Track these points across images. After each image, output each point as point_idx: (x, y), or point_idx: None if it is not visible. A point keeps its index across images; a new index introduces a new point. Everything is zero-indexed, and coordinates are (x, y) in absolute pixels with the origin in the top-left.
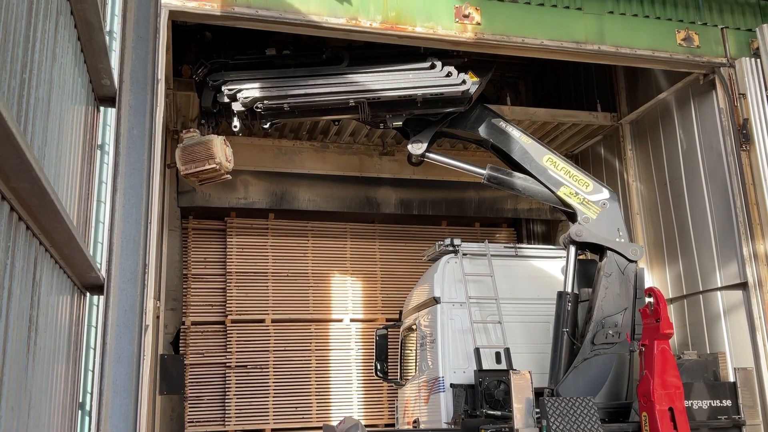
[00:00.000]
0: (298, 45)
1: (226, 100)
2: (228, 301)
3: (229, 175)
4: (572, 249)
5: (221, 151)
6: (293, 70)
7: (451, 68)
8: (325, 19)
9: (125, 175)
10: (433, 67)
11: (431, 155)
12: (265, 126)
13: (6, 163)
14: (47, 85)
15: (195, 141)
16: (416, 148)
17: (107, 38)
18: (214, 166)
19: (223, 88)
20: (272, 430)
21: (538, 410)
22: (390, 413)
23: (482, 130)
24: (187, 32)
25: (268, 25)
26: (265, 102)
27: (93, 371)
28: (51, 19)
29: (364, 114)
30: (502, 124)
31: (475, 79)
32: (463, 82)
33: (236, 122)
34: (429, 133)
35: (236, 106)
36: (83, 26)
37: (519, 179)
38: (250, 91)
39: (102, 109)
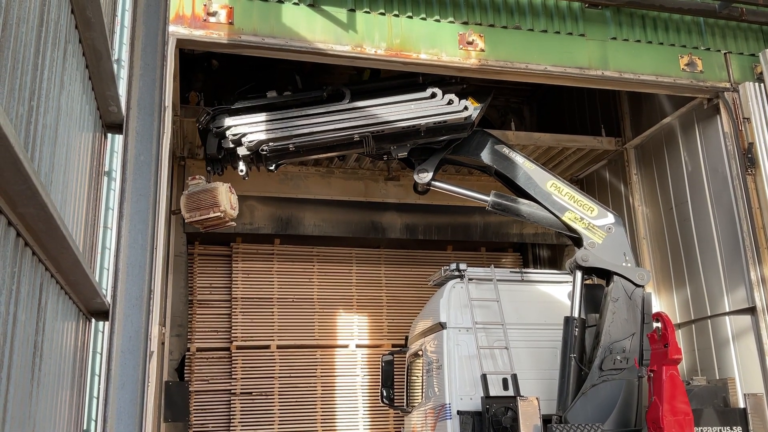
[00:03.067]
0: (302, 73)
1: (231, 145)
2: (233, 327)
3: (234, 222)
4: (578, 274)
5: (226, 198)
6: (296, 110)
7: (452, 96)
8: (331, 47)
9: (131, 201)
10: (434, 96)
11: (437, 183)
12: (271, 168)
13: (13, 188)
14: (55, 112)
15: (200, 188)
16: (422, 177)
17: (115, 66)
18: (219, 214)
19: (227, 133)
20: None
21: None
22: None
23: (486, 157)
24: (195, 60)
25: (275, 52)
26: (270, 144)
27: (98, 398)
28: (59, 47)
29: (369, 147)
30: (506, 150)
31: (476, 104)
32: (465, 108)
33: (242, 166)
34: (434, 161)
35: (241, 151)
36: (91, 54)
37: (524, 205)
38: (255, 134)
39: (109, 135)
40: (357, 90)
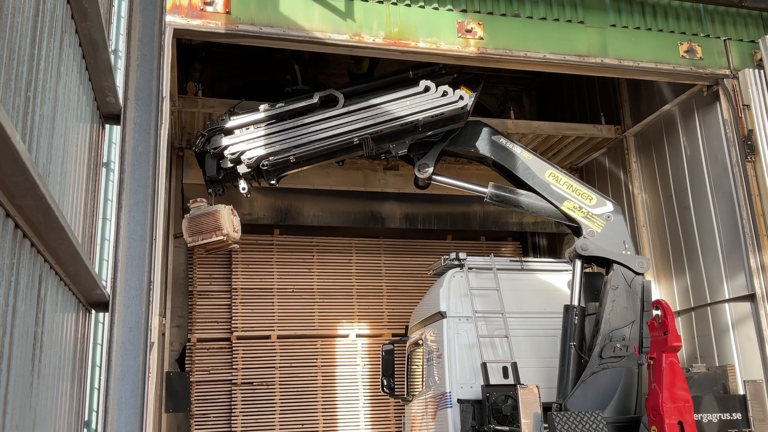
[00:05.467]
0: (301, 62)
1: (230, 164)
2: (233, 318)
3: (236, 245)
4: (578, 263)
5: (228, 221)
6: (292, 121)
7: (446, 87)
8: (329, 36)
9: (130, 192)
10: (427, 89)
11: (437, 177)
12: (273, 182)
13: (10, 180)
14: (52, 102)
15: (202, 211)
16: (424, 172)
17: (112, 57)
18: (222, 237)
19: (225, 153)
20: None
21: (546, 425)
22: (397, 429)
23: (483, 148)
24: (192, 50)
25: (272, 42)
26: (271, 158)
27: (98, 389)
28: (55, 38)
29: (369, 149)
30: (503, 140)
31: (470, 93)
32: (461, 98)
33: (243, 184)
34: (434, 155)
35: (241, 168)
36: (88, 45)
37: (522, 196)
38: (254, 150)
39: (107, 126)
40: (349, 92)
